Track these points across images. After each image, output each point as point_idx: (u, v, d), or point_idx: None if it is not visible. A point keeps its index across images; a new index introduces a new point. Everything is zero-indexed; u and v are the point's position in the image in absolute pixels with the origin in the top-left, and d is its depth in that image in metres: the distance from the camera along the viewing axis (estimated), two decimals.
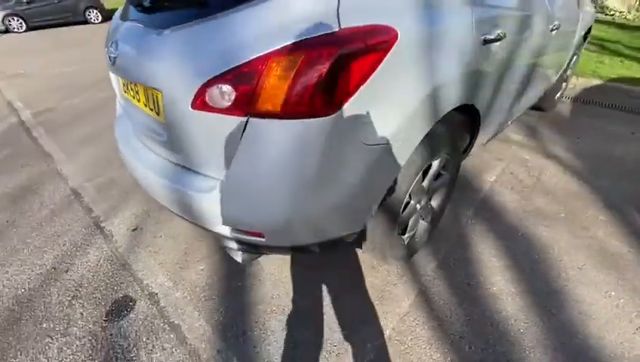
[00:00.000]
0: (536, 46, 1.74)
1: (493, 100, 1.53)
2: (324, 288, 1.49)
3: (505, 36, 1.35)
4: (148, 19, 1.10)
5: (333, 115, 0.86)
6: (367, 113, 0.92)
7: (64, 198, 2.15)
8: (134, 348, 1.28)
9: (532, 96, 2.22)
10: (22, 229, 1.90)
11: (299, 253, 1.20)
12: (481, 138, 1.70)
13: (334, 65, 0.81)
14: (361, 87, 0.87)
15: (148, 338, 1.31)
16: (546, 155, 2.51)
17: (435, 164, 1.39)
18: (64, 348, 1.29)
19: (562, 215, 1.91)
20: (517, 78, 1.67)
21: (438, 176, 1.54)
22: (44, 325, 1.38)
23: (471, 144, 1.67)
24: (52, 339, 1.32)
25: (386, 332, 1.31)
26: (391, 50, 0.90)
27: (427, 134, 1.20)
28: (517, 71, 1.62)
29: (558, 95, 3.17)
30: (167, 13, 1.07)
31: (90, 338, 1.32)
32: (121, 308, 1.45)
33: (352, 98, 0.87)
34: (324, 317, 1.37)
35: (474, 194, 2.08)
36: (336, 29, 0.82)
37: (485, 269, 1.56)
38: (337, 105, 0.86)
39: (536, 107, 3.18)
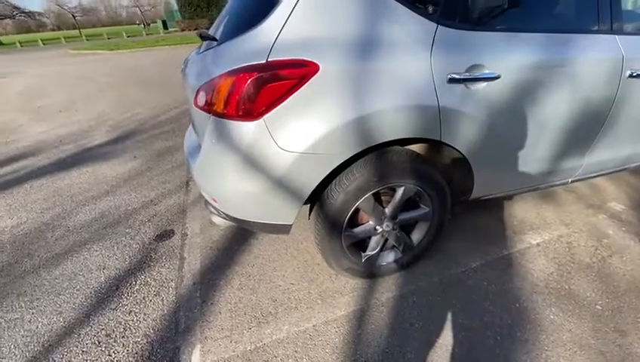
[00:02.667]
0: (584, 94, 1.44)
1: (490, 149, 1.40)
2: (270, 273, 1.74)
3: (499, 77, 1.26)
4: (199, 48, 1.65)
5: (255, 122, 1.16)
6: (286, 125, 1.16)
7: None
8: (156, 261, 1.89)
9: (603, 161, 1.75)
10: None
11: (246, 227, 1.50)
12: (479, 191, 1.54)
13: (252, 85, 1.11)
14: (281, 104, 1.14)
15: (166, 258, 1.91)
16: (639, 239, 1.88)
17: (400, 191, 1.43)
18: (127, 246, 2.03)
19: (598, 307, 1.48)
20: (538, 131, 1.43)
21: (414, 207, 1.54)
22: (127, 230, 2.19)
23: (468, 190, 1.55)
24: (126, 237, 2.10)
25: (305, 326, 1.46)
26: (311, 79, 1.12)
27: (371, 158, 1.32)
28: (537, 122, 1.40)
29: None
30: (205, 44, 1.58)
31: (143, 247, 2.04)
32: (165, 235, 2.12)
33: (273, 111, 1.15)
34: (257, 294, 1.63)
35: (497, 248, 1.83)
36: (263, 61, 1.12)
37: (442, 325, 1.44)
38: (258, 115, 1.15)
39: None
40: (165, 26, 33.01)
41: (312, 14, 1.14)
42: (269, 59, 1.13)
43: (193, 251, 1.96)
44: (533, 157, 1.54)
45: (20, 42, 31.71)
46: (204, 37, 1.57)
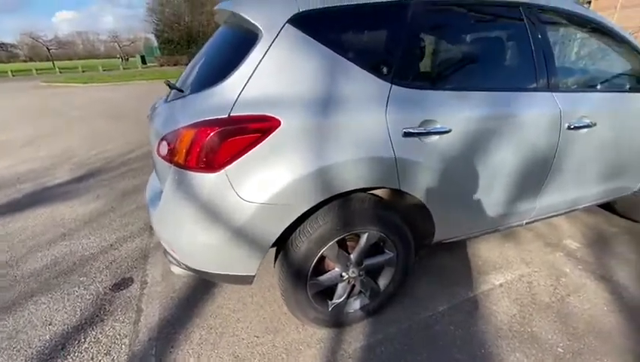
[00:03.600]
0: (529, 145, 1.56)
1: (446, 196, 1.47)
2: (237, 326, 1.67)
3: (450, 131, 1.36)
4: (167, 97, 1.67)
5: (216, 173, 1.16)
6: (248, 176, 1.17)
7: None
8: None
9: (554, 204, 1.89)
10: None
11: (207, 278, 1.45)
12: (441, 234, 1.59)
13: (214, 138, 1.13)
14: (243, 157, 1.16)
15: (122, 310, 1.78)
16: (596, 276, 1.97)
17: (364, 238, 1.45)
18: (80, 298, 1.88)
19: (560, 350, 1.50)
20: (489, 178, 1.53)
21: (379, 252, 1.56)
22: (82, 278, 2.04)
23: (430, 234, 1.59)
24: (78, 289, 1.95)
25: None
26: (273, 133, 1.16)
27: (335, 206, 1.34)
28: (488, 171, 1.50)
29: None
30: (173, 92, 1.60)
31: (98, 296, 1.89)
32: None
33: (235, 163, 1.16)
34: (218, 349, 1.54)
35: (463, 290, 1.85)
36: (226, 115, 1.15)
37: None
38: (220, 167, 1.16)
39: (627, 215, 2.53)
40: (144, 61, 33.21)
41: (274, 73, 1.20)
42: (231, 114, 1.16)
43: (152, 301, 1.84)
44: (487, 202, 1.62)
45: None
46: (171, 86, 1.60)
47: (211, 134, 1.14)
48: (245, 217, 1.21)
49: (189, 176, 1.21)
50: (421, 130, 1.32)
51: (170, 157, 1.24)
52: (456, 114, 1.38)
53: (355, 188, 1.30)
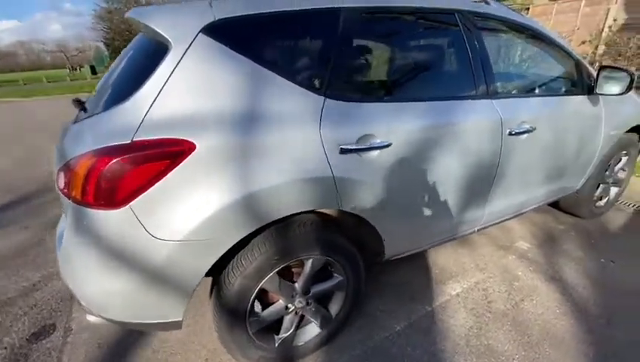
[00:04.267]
0: (472, 154, 1.54)
1: (392, 211, 1.40)
2: None
3: (390, 145, 1.28)
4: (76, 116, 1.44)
5: (120, 210, 0.99)
6: (160, 211, 1.01)
7: None
8: None
9: (502, 209, 1.89)
10: None
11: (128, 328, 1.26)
12: (391, 250, 1.52)
13: (114, 169, 0.96)
14: (152, 189, 0.99)
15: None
16: (547, 277, 2.00)
17: (308, 264, 1.33)
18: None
19: None
20: (435, 190, 1.48)
21: (327, 277, 1.45)
22: None
23: (380, 252, 1.51)
24: None
25: None
26: (187, 159, 1.00)
27: (271, 235, 1.21)
28: (433, 182, 1.45)
29: (603, 201, 2.56)
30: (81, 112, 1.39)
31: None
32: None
33: (141, 197, 0.99)
34: None
35: (419, 305, 1.79)
36: (128, 141, 0.98)
37: None
38: (123, 202, 0.98)
39: (571, 212, 2.63)
40: (94, 71, 31.15)
41: (186, 89, 1.05)
42: (134, 139, 0.99)
43: (76, 351, 1.59)
44: (436, 214, 1.57)
45: None
46: (79, 104, 1.39)
47: (109, 164, 0.96)
48: (160, 259, 1.04)
49: (89, 213, 1.02)
50: (359, 145, 1.22)
51: (67, 192, 1.05)
52: (396, 126, 1.31)
53: (289, 213, 1.18)
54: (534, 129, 1.71)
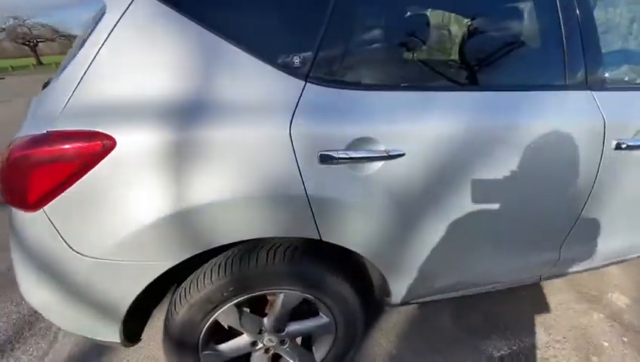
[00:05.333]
0: (545, 177, 1.00)
1: (403, 248, 0.99)
2: None
3: (402, 155, 0.86)
4: None
5: (34, 213, 0.81)
6: (77, 220, 0.81)
7: None
8: None
9: (588, 254, 1.28)
10: None
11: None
12: (402, 295, 1.11)
13: (21, 165, 0.78)
14: (65, 192, 0.78)
15: None
16: None
17: (279, 300, 1.04)
18: None
19: None
20: (476, 223, 1.00)
21: (311, 313, 1.13)
22: None
23: (386, 292, 1.12)
24: None
25: None
26: (106, 158, 0.76)
27: (225, 261, 0.94)
28: (473, 213, 0.97)
29: None
30: None
31: None
32: None
33: (56, 200, 0.79)
34: None
35: None
36: (44, 132, 0.78)
37: None
38: (36, 205, 0.80)
39: None
40: None
41: (119, 64, 0.80)
42: (50, 129, 0.79)
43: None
44: (475, 255, 1.10)
45: None
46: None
47: (16, 158, 0.78)
48: (80, 276, 0.85)
49: (14, 212, 0.88)
50: (350, 154, 0.85)
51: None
52: (416, 127, 0.89)
53: (243, 239, 0.88)
54: None
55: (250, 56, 0.82)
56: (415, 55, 0.91)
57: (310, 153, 0.83)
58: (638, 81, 1.24)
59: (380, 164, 0.87)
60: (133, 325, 1.05)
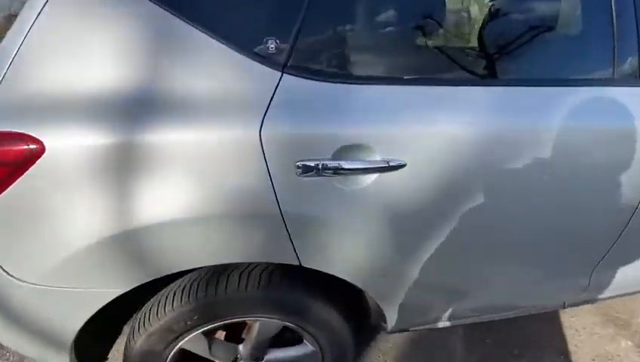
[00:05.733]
0: (576, 193, 0.81)
1: (396, 273, 0.82)
2: None
3: (403, 166, 0.69)
4: None
5: None
6: (7, 239, 0.68)
7: None
8: None
9: (620, 281, 1.08)
10: None
11: None
12: (399, 322, 0.94)
13: None
14: None
15: None
16: None
17: (255, 328, 0.89)
18: None
19: None
20: (488, 244, 0.83)
21: (296, 340, 0.99)
22: None
23: (374, 319, 0.96)
24: None
25: None
26: (34, 166, 0.62)
27: (189, 286, 0.80)
28: (488, 231, 0.80)
29: None
30: None
31: None
32: None
33: None
34: None
35: None
36: None
37: None
38: None
39: None
40: None
41: (51, 49, 0.65)
42: None
43: None
44: (486, 282, 0.93)
45: None
46: None
47: None
48: (16, 301, 0.73)
49: None
50: (339, 164, 0.68)
51: None
52: (420, 131, 0.71)
53: (205, 264, 0.74)
54: None
55: (212, 40, 0.65)
56: (423, 41, 0.73)
57: (286, 162, 0.67)
58: None
59: (374, 176, 0.71)
60: (99, 345, 0.94)
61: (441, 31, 0.76)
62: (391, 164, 0.70)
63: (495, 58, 0.81)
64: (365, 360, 1.31)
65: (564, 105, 0.78)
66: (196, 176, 0.66)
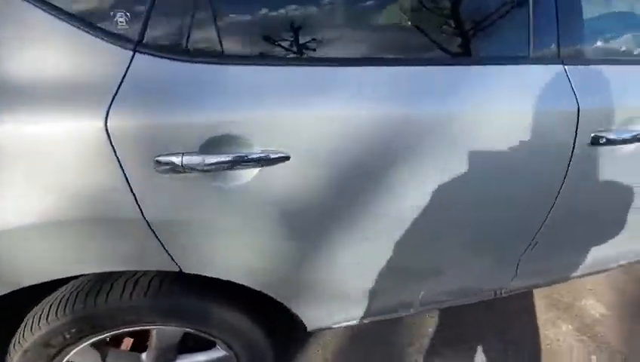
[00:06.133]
0: (488, 182, 0.75)
1: (291, 271, 0.76)
2: None
3: (285, 158, 0.61)
4: None
5: None
6: None
7: None
8: None
9: (549, 269, 1.07)
10: None
11: None
12: (317, 319, 0.89)
13: None
14: None
15: None
16: None
17: (154, 336, 0.82)
18: None
19: None
20: (392, 238, 0.76)
21: (208, 345, 0.92)
22: None
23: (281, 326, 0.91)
24: None
25: None
26: None
27: (71, 295, 0.71)
28: (387, 226, 0.74)
29: None
30: None
31: None
32: None
33: None
34: None
35: None
36: None
37: None
38: None
39: None
40: None
41: None
42: None
43: None
44: (393, 275, 0.87)
45: None
46: None
47: None
48: None
49: None
50: (208, 159, 0.59)
51: None
52: (305, 118, 0.63)
53: (61, 277, 0.65)
54: None
55: (48, 14, 0.54)
56: (304, 13, 0.63)
57: (143, 158, 0.57)
58: (635, 53, 0.97)
59: (254, 171, 0.62)
60: None
61: (330, 3, 0.66)
62: (272, 156, 0.61)
63: (390, 34, 0.72)
64: (303, 355, 1.27)
65: (472, 86, 0.71)
66: (39, 175, 0.56)
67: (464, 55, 0.74)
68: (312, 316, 0.89)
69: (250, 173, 0.62)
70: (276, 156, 0.61)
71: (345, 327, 1.09)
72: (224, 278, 0.72)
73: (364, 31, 0.69)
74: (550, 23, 0.74)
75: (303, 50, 0.64)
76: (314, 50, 0.64)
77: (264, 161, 0.62)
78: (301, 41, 0.63)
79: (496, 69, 0.73)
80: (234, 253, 0.70)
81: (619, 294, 1.51)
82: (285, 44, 0.63)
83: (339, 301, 0.89)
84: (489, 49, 0.76)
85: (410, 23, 0.72)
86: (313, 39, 0.64)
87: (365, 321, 1.00)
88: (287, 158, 0.62)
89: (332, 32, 0.66)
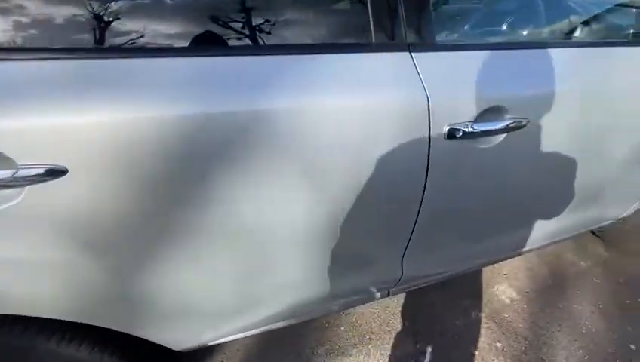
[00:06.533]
0: (335, 189, 0.69)
1: (109, 290, 0.66)
2: None
3: (64, 173, 0.51)
4: None
5: None
6: None
7: None
8: None
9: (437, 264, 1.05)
10: None
11: None
12: (175, 342, 0.81)
13: None
14: None
15: None
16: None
17: None
18: None
19: None
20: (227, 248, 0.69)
21: None
22: None
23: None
24: None
25: None
26: None
27: None
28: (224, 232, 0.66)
29: None
30: None
31: None
32: None
33: None
34: None
35: None
36: None
37: None
38: None
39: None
40: None
41: None
42: None
43: None
44: (255, 285, 0.80)
45: None
46: None
47: None
48: None
49: None
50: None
51: None
52: (80, 125, 0.52)
53: None
54: (524, 123, 0.79)
55: None
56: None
57: None
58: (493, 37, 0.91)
59: (23, 191, 0.52)
60: None
61: None
62: (39, 173, 0.51)
63: (183, 24, 0.62)
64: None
65: (305, 77, 0.63)
66: None
67: (286, 43, 0.65)
68: (172, 338, 0.81)
69: (17, 193, 0.52)
70: (42, 171, 0.51)
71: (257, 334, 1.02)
72: (24, 314, 0.61)
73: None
74: (393, 3, 0.67)
75: (88, 40, 0.53)
76: (96, 40, 0.53)
77: (31, 179, 0.51)
78: (89, 29, 0.52)
79: (328, 58, 0.65)
80: (20, 287, 0.59)
81: (531, 278, 1.53)
82: (56, 31, 0.52)
83: (198, 319, 0.81)
84: (322, 35, 0.68)
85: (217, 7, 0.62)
86: (101, 27, 0.52)
87: (247, 334, 0.93)
88: (63, 173, 0.52)
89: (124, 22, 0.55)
